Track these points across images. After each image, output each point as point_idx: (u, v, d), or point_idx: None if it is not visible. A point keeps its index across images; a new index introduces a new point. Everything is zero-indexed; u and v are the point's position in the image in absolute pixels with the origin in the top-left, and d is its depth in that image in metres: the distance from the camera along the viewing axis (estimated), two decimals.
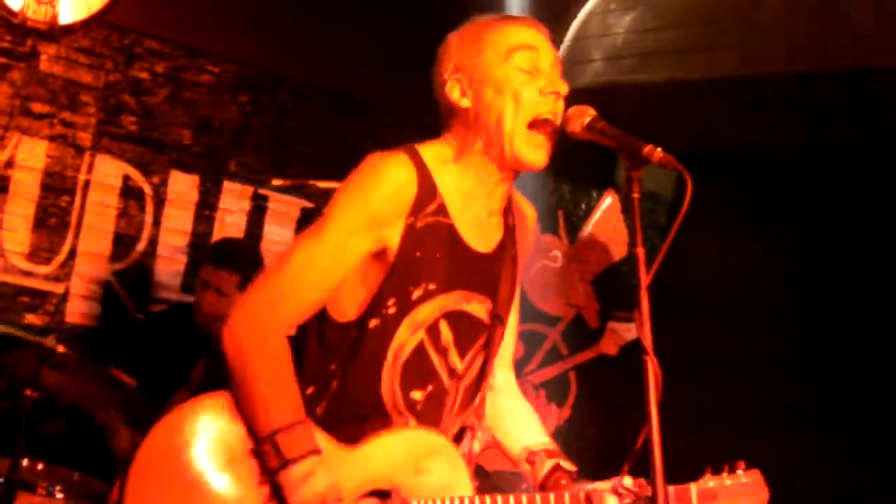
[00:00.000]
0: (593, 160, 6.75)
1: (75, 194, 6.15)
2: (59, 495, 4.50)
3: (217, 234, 6.53)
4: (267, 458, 2.65)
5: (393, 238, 2.80)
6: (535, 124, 2.85)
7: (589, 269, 7.72)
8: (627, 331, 7.43)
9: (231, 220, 6.59)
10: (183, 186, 6.49)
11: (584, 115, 2.73)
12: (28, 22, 5.86)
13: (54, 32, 5.98)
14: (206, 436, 2.71)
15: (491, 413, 3.24)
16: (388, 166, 2.81)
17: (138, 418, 5.10)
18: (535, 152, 2.87)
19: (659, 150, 2.52)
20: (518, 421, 3.25)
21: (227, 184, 6.64)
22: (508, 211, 3.06)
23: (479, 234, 2.95)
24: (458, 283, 2.90)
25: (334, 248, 2.77)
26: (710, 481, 2.93)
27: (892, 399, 4.59)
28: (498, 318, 3.02)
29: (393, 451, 2.80)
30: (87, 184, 6.17)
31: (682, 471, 2.93)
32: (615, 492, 2.88)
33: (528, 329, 7.43)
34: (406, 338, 2.85)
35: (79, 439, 5.48)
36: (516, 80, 2.85)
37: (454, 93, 2.91)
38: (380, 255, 2.81)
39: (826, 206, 4.84)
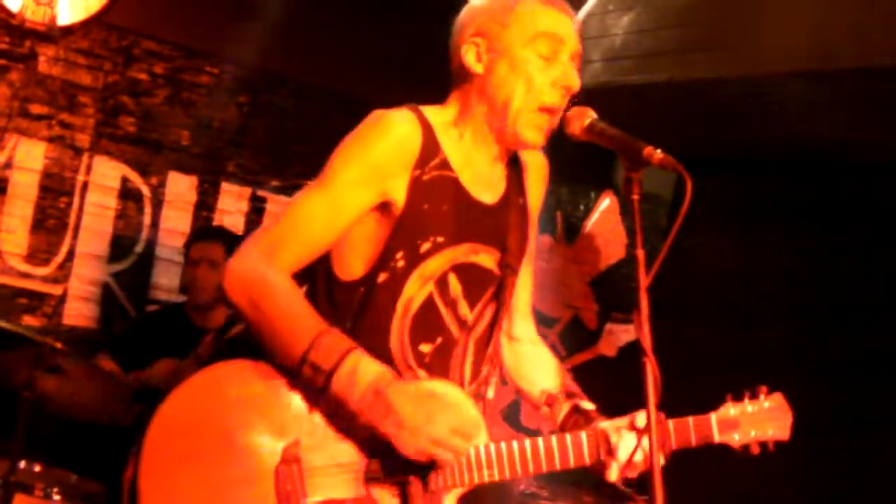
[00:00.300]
0: (592, 161, 6.75)
1: (73, 196, 6.15)
2: (57, 497, 4.49)
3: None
4: (311, 381, 2.66)
5: (398, 191, 2.79)
6: (540, 110, 2.86)
7: (587, 271, 7.72)
8: (626, 332, 7.43)
9: (229, 221, 6.58)
10: (181, 187, 6.49)
11: (584, 117, 2.72)
12: (26, 23, 5.86)
13: (53, 33, 5.98)
14: (228, 397, 2.73)
15: (511, 361, 3.28)
16: (392, 120, 2.81)
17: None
18: (534, 132, 2.88)
19: (658, 151, 2.51)
20: (538, 367, 3.26)
21: (225, 185, 6.64)
22: (513, 162, 3.06)
23: (484, 186, 2.95)
24: (465, 235, 2.90)
25: (335, 198, 2.77)
26: (730, 409, 2.93)
27: (893, 399, 4.59)
28: (509, 268, 3.01)
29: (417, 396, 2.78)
30: (85, 185, 6.17)
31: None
32: (632, 427, 2.88)
33: None
34: (415, 291, 2.85)
35: (76, 441, 5.47)
36: (534, 64, 2.84)
37: (469, 56, 2.89)
38: (386, 209, 2.81)
39: (826, 207, 4.84)
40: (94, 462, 5.09)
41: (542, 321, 7.54)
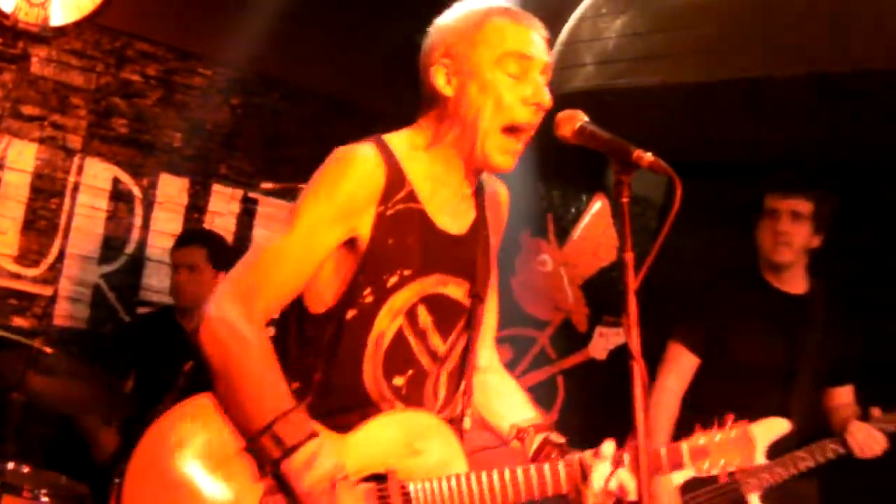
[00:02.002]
0: (583, 164, 6.76)
1: (65, 197, 6.14)
2: (45, 499, 4.48)
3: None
4: (266, 450, 2.63)
5: (364, 227, 2.79)
6: (509, 129, 2.85)
7: (578, 274, 7.71)
8: (616, 335, 7.42)
9: (220, 222, 6.58)
10: (172, 189, 6.49)
11: (575, 120, 2.71)
12: (19, 24, 5.85)
13: (45, 35, 5.98)
14: (196, 439, 2.69)
15: (478, 394, 3.23)
16: (354, 156, 2.80)
17: (127, 420, 5.11)
18: (503, 156, 2.87)
19: (648, 154, 2.51)
20: (505, 399, 3.25)
21: (216, 186, 6.64)
22: (480, 192, 3.05)
23: (451, 216, 2.95)
24: (433, 266, 2.89)
25: (305, 240, 2.76)
26: (700, 438, 2.95)
27: (886, 399, 4.60)
28: (478, 298, 3.01)
29: (386, 434, 2.80)
30: (76, 186, 6.17)
31: None
32: (599, 456, 2.87)
33: (516, 333, 7.43)
34: (385, 325, 2.84)
35: (65, 443, 5.47)
36: (503, 83, 2.83)
37: (438, 78, 2.88)
38: (352, 245, 2.81)
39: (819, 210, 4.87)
40: (82, 464, 5.09)
41: (533, 324, 7.55)
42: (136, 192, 6.38)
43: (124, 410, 5.11)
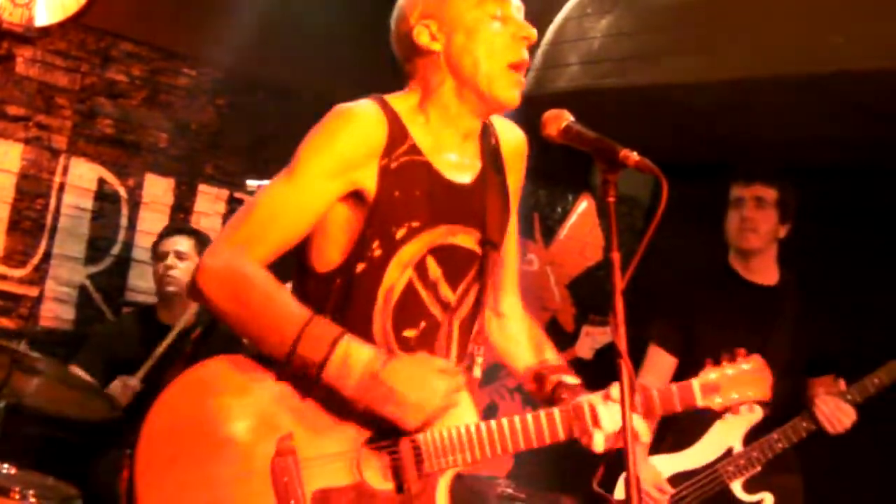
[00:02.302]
0: (569, 164, 6.76)
1: (50, 197, 6.13)
2: (33, 500, 4.47)
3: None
4: (305, 370, 2.66)
5: (368, 180, 2.79)
6: (512, 66, 2.87)
7: (564, 273, 7.73)
8: (602, 334, 7.43)
9: (206, 223, 6.58)
10: (158, 189, 6.49)
11: (560, 120, 2.72)
12: (4, 24, 5.84)
13: (30, 35, 5.96)
14: (216, 397, 2.73)
15: (499, 339, 3.27)
16: (356, 112, 2.83)
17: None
18: (512, 91, 2.88)
19: (634, 154, 2.52)
20: (523, 343, 3.26)
21: (202, 187, 6.64)
22: (488, 139, 3.06)
23: (457, 167, 2.95)
24: (440, 217, 2.89)
25: (302, 191, 2.77)
26: (710, 373, 2.96)
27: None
28: (490, 245, 3.01)
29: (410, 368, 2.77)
30: (61, 187, 6.16)
31: None
32: (609, 398, 2.88)
33: None
34: (395, 278, 2.84)
35: (52, 443, 5.46)
36: (488, 25, 2.86)
37: (423, 37, 2.89)
38: (358, 199, 2.81)
39: (802, 210, 4.86)
40: (71, 465, 5.09)
41: None
42: (122, 192, 6.38)
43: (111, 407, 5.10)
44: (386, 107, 2.87)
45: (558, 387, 3.05)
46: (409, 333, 2.88)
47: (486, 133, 3.06)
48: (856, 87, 5.57)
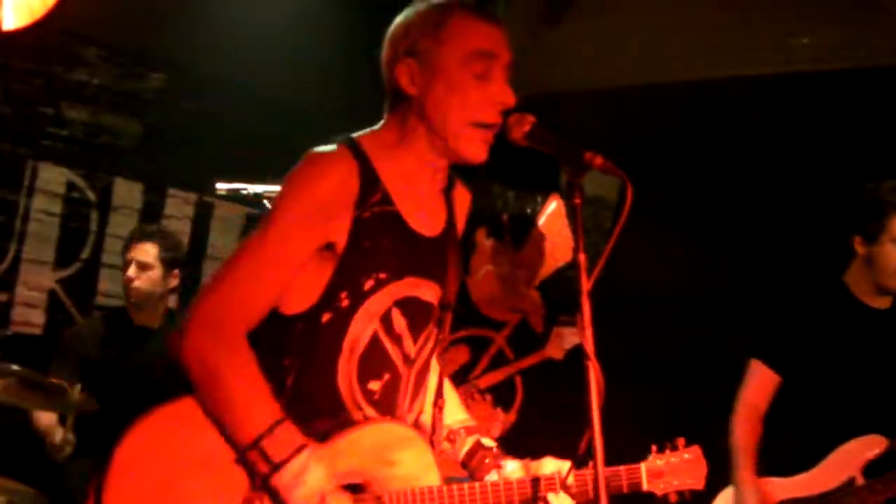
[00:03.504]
0: (537, 165, 6.77)
1: (18, 202, 6.10)
2: None
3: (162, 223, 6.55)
4: (255, 465, 2.63)
5: (340, 232, 2.78)
6: (477, 125, 2.85)
7: (534, 274, 7.74)
8: (572, 335, 7.45)
9: (176, 226, 6.57)
10: (127, 193, 6.47)
11: (525, 124, 2.74)
12: None
13: None
14: (182, 440, 2.69)
15: None
16: (329, 162, 2.80)
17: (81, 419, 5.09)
18: (475, 147, 2.87)
19: (599, 156, 2.53)
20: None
21: (171, 190, 6.63)
22: (449, 189, 3.07)
23: (425, 217, 2.96)
24: (407, 269, 2.90)
25: (284, 245, 2.75)
26: (657, 460, 3.07)
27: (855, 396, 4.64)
28: (447, 305, 3.04)
29: (362, 444, 2.81)
30: (30, 191, 6.13)
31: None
32: (562, 485, 2.94)
33: (473, 334, 7.44)
34: (360, 330, 2.84)
35: (21, 449, 5.44)
36: (468, 84, 2.83)
37: (402, 77, 2.87)
38: (328, 248, 2.79)
39: (765, 210, 4.89)
40: (40, 471, 5.07)
41: (490, 325, 7.56)
42: (91, 196, 6.36)
43: (76, 411, 5.08)
44: (357, 152, 2.84)
45: (477, 448, 3.10)
46: (374, 386, 2.89)
47: (450, 182, 3.06)
48: (833, 88, 5.60)
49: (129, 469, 2.66)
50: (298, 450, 2.64)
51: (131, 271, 5.59)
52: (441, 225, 3.01)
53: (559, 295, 7.69)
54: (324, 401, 2.82)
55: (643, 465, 3.04)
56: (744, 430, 4.62)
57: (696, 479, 3.10)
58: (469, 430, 3.15)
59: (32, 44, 6.11)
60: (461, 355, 7.33)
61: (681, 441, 3.10)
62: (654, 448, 3.08)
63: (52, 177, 6.22)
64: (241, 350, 2.70)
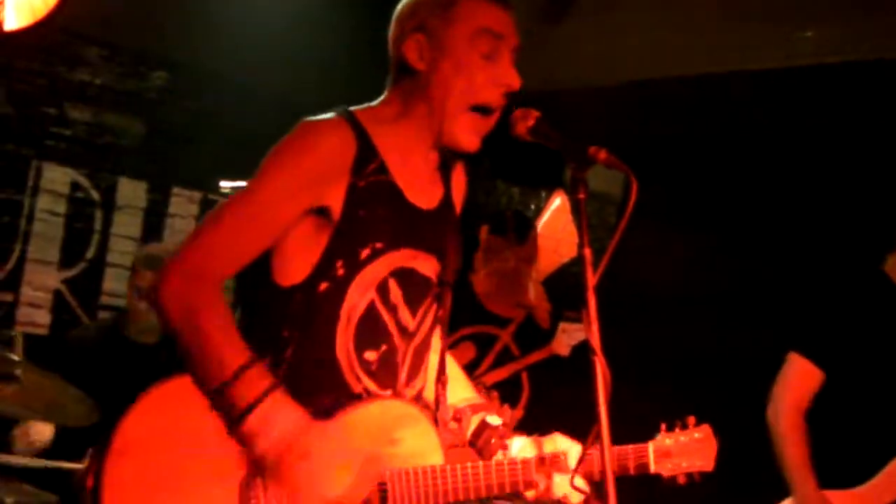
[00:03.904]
0: (542, 161, 6.77)
1: (23, 202, 6.10)
2: None
3: (167, 241, 6.52)
4: (224, 413, 2.61)
5: (334, 199, 2.77)
6: (477, 108, 2.86)
7: (540, 270, 7.75)
8: (578, 331, 7.46)
9: (181, 225, 6.56)
10: (132, 192, 6.47)
11: (529, 118, 2.73)
12: None
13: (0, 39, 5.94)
14: (181, 423, 2.68)
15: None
16: (323, 130, 2.81)
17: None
18: (469, 136, 2.88)
19: (603, 150, 2.53)
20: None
21: (176, 189, 6.62)
22: (446, 167, 3.05)
23: (422, 190, 2.95)
24: (403, 240, 2.89)
25: (269, 205, 2.74)
26: (665, 439, 3.01)
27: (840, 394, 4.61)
28: (446, 284, 3.04)
29: (366, 422, 2.79)
30: (34, 191, 6.13)
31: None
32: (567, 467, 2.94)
33: (479, 331, 7.45)
34: (357, 298, 2.83)
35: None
36: (475, 63, 2.84)
37: (411, 52, 2.87)
38: (322, 215, 2.79)
39: (769, 206, 4.88)
40: (50, 472, 5.07)
41: (496, 322, 7.57)
42: (95, 195, 6.36)
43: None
44: (354, 122, 2.84)
45: (483, 427, 3.10)
46: (371, 356, 2.87)
47: (446, 161, 3.05)
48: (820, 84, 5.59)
49: (130, 449, 2.63)
50: (265, 394, 2.60)
51: (131, 298, 5.52)
52: (438, 198, 3.01)
53: (564, 291, 7.69)
54: (323, 372, 2.81)
55: (651, 445, 2.99)
56: (794, 441, 4.41)
57: (705, 459, 3.03)
58: (475, 409, 3.14)
59: (35, 44, 6.12)
60: (467, 352, 7.34)
61: (691, 419, 3.04)
62: (663, 427, 3.02)
63: (57, 177, 6.22)
64: (216, 299, 2.68)
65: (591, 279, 2.48)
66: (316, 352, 2.79)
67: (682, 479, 3.02)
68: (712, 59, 5.85)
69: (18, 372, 4.74)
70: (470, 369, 7.33)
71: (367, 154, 2.82)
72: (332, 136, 2.79)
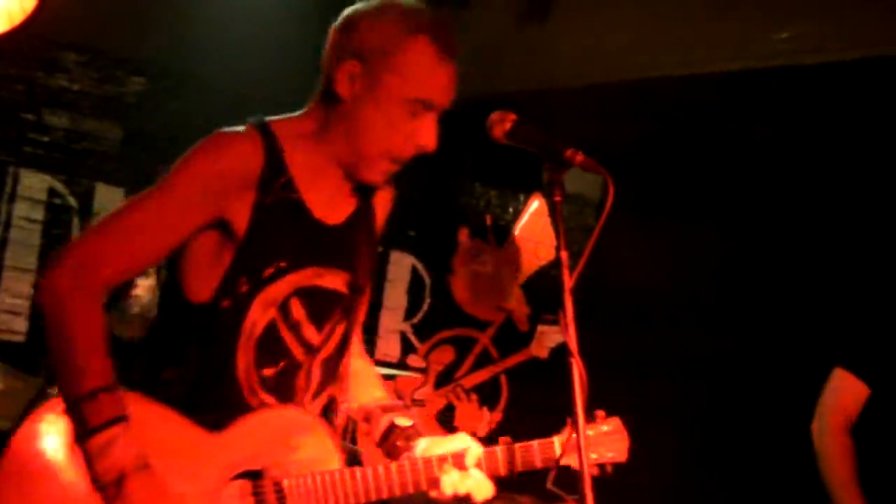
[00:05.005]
0: (519, 163, 6.78)
1: (0, 209, 6.09)
2: None
3: None
4: (75, 422, 2.59)
5: (238, 214, 2.76)
6: (388, 158, 2.86)
7: (518, 273, 7.75)
8: (557, 333, 7.47)
9: None
10: (109, 199, 6.45)
11: (506, 122, 2.73)
12: None
13: None
14: (51, 440, 2.66)
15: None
16: (232, 141, 2.80)
17: None
18: (377, 175, 2.89)
19: (580, 153, 2.54)
20: (359, 381, 3.24)
21: None
22: (362, 186, 3.02)
23: (330, 205, 2.93)
24: (309, 259, 2.88)
25: (168, 213, 2.71)
26: (573, 433, 2.97)
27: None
28: (357, 289, 3.02)
29: (260, 430, 2.79)
30: (11, 197, 6.12)
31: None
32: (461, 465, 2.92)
33: (458, 334, 7.45)
34: (258, 316, 2.82)
35: None
36: (400, 120, 2.81)
37: (341, 77, 2.83)
38: (226, 231, 2.77)
39: (753, 206, 4.89)
40: None
41: (475, 324, 7.57)
42: (73, 202, 6.34)
43: None
44: (267, 134, 2.84)
45: (391, 431, 3.07)
46: (269, 372, 2.87)
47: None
48: (807, 85, 5.61)
49: (11, 478, 2.63)
50: (113, 420, 2.57)
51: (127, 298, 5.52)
52: (348, 212, 2.99)
53: (543, 293, 7.70)
54: (222, 387, 2.81)
55: (556, 439, 2.96)
56: (840, 459, 4.24)
57: (617, 451, 3.02)
58: (385, 409, 3.13)
59: (11, 50, 6.10)
60: (446, 355, 7.34)
61: (599, 413, 3.01)
62: (569, 421, 2.88)
63: (34, 183, 6.20)
64: (95, 305, 2.65)
65: (569, 281, 2.48)
66: (217, 368, 2.79)
67: (593, 471, 2.97)
68: (695, 58, 5.86)
69: None
70: (449, 372, 7.33)
71: (274, 169, 2.80)
72: (238, 149, 2.78)
